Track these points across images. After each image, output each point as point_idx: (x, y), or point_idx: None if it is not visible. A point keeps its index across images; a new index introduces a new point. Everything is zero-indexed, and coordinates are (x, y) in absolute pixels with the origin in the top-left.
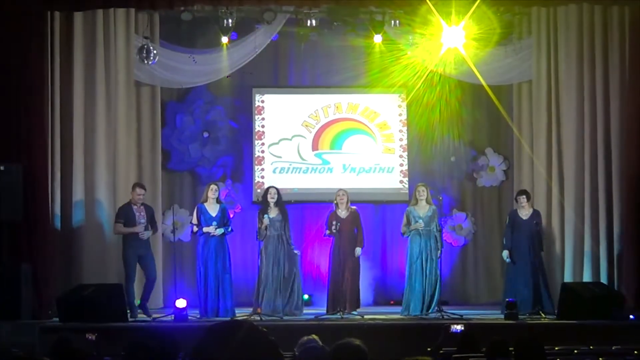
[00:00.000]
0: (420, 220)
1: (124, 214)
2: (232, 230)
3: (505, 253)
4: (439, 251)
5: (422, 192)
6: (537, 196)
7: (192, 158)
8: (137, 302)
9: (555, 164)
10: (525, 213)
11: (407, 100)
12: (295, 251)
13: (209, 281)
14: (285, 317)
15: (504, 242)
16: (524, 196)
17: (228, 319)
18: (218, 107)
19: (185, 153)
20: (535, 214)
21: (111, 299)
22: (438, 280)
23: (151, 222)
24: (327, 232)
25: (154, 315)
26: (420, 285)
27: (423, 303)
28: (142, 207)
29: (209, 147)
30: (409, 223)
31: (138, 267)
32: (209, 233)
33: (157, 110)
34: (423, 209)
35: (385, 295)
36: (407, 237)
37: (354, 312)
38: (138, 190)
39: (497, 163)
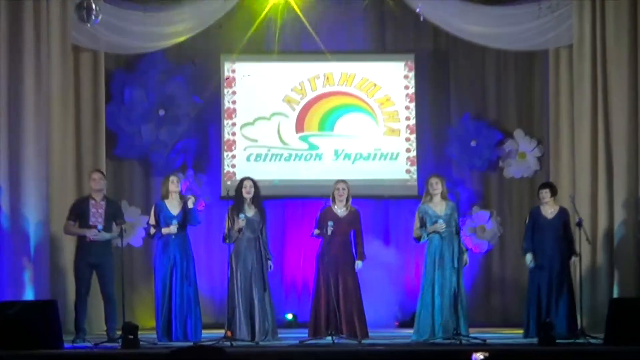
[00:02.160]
0: (441, 220)
1: (77, 210)
2: (199, 221)
3: (529, 256)
4: (464, 257)
5: (436, 186)
6: (580, 192)
7: (145, 142)
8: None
9: (602, 151)
10: (550, 211)
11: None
12: (268, 259)
13: (171, 297)
14: (262, 343)
15: (524, 245)
16: (547, 190)
17: (192, 344)
18: (177, 78)
19: (136, 136)
20: (562, 212)
21: (42, 319)
22: (464, 296)
23: (115, 221)
24: (316, 231)
25: (97, 341)
26: (442, 302)
27: (440, 325)
28: (102, 203)
29: (166, 129)
30: (423, 225)
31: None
32: (169, 236)
33: (100, 81)
34: (439, 205)
35: (388, 315)
36: (425, 241)
37: (354, 338)
38: (94, 175)
39: (529, 149)
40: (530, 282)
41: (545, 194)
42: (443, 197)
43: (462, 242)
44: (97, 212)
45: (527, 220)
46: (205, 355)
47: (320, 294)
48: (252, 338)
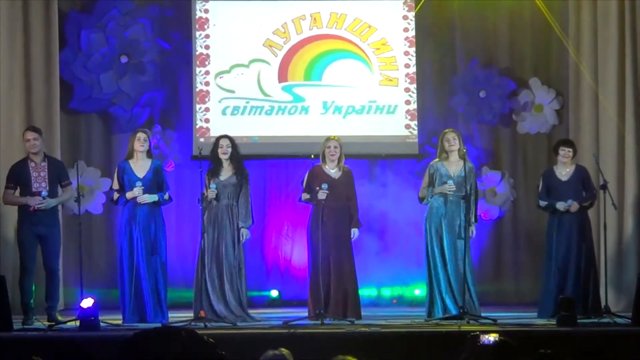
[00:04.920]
0: (451, 181)
1: (16, 176)
2: (170, 199)
3: (562, 204)
4: (471, 227)
5: (454, 141)
6: (604, 150)
7: (105, 94)
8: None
9: (630, 102)
10: (565, 172)
11: (417, 8)
12: (243, 227)
13: (137, 272)
14: (241, 324)
15: (542, 204)
16: (571, 149)
17: (158, 325)
18: (142, 20)
19: (95, 86)
20: (579, 170)
21: None
22: (470, 270)
23: (60, 183)
24: (305, 195)
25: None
26: (447, 276)
27: (453, 301)
28: (43, 164)
29: (129, 78)
30: (431, 184)
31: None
32: (134, 201)
33: (53, 24)
34: (455, 165)
35: (385, 292)
36: (426, 204)
37: (345, 319)
38: (27, 134)
39: (547, 100)
40: (547, 255)
41: (569, 152)
42: (461, 156)
43: (476, 211)
44: (39, 176)
45: (540, 184)
46: (174, 338)
47: (318, 270)
48: (228, 316)
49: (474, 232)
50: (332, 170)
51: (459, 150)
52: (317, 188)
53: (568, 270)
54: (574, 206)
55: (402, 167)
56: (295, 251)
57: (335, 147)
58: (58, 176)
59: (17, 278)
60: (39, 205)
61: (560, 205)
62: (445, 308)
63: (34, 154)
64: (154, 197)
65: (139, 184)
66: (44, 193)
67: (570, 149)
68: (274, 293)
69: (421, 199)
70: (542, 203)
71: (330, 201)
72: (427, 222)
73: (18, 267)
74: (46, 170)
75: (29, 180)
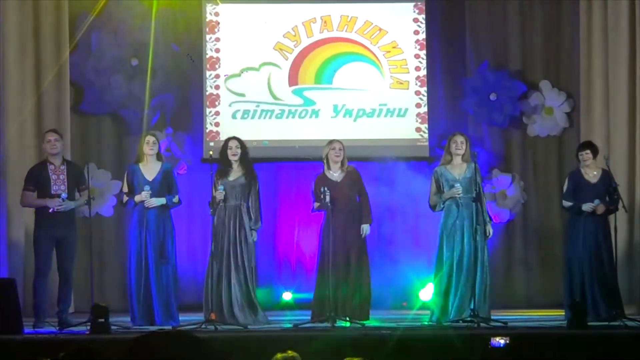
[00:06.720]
0: (458, 185)
1: (35, 178)
2: (180, 202)
3: (588, 205)
4: (488, 227)
5: (461, 145)
6: (615, 152)
7: (115, 96)
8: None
9: None
10: (592, 174)
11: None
12: (253, 229)
13: (146, 275)
14: (252, 327)
15: (566, 205)
16: (588, 151)
17: (168, 328)
18: (152, 23)
19: (106, 89)
20: (606, 175)
21: None
22: (487, 271)
23: (78, 187)
24: (316, 205)
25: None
26: (459, 280)
27: (456, 306)
28: (62, 167)
29: (140, 81)
30: (439, 190)
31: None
32: (144, 204)
33: (64, 26)
34: (459, 168)
35: (396, 295)
36: (440, 211)
37: (357, 322)
38: (48, 135)
39: (557, 103)
40: (566, 257)
41: (587, 155)
42: (465, 159)
43: (487, 210)
44: (58, 179)
45: (565, 185)
46: (173, 341)
47: (325, 275)
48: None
49: (491, 231)
50: (334, 173)
51: (463, 154)
52: (322, 194)
53: (596, 273)
54: (600, 208)
55: (412, 169)
56: (307, 254)
57: (340, 149)
58: (77, 181)
59: (27, 280)
60: (59, 207)
61: (587, 207)
62: (446, 310)
63: (54, 155)
64: (161, 201)
65: (147, 187)
66: (64, 195)
67: (588, 151)
68: (287, 296)
69: (433, 207)
70: (566, 204)
71: (337, 204)
72: (443, 227)
73: (29, 270)
74: (65, 173)
75: (48, 183)
